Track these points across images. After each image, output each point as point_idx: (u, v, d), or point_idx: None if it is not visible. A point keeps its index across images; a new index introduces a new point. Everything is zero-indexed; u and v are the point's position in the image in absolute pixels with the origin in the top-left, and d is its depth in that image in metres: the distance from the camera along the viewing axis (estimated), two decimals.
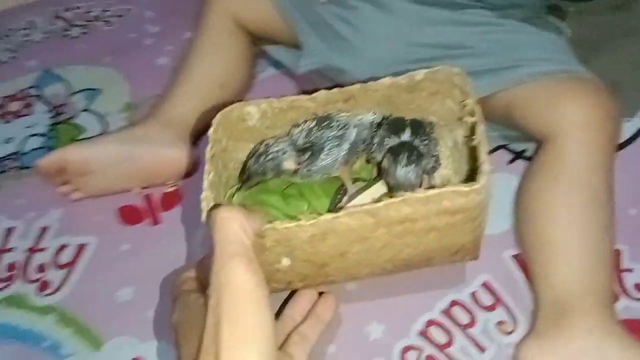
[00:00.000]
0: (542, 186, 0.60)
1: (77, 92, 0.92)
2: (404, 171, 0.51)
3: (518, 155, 0.71)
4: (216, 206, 0.39)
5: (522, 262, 0.63)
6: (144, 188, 0.76)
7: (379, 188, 0.56)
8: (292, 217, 0.50)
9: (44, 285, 0.70)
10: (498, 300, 0.61)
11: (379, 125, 0.57)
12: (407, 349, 0.59)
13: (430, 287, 0.61)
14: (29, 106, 0.91)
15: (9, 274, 0.72)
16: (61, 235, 0.74)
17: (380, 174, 0.56)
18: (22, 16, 1.07)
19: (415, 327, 0.59)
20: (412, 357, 0.58)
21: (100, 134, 0.84)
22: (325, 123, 0.55)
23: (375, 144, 0.55)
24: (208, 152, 0.53)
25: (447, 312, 0.60)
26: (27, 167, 0.83)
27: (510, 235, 0.64)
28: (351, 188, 0.57)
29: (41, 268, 0.71)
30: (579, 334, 0.52)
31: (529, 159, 0.69)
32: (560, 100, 0.61)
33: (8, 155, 0.85)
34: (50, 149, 0.84)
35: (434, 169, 0.56)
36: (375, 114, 0.57)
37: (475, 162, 0.50)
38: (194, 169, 0.76)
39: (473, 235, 0.52)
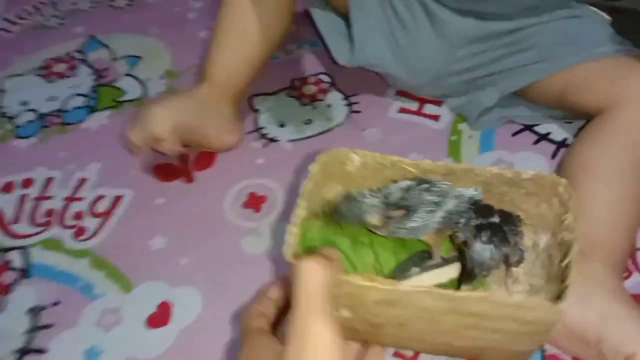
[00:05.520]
0: (589, 145, 0.63)
1: (120, 58, 0.96)
2: (480, 247, 0.49)
3: (542, 137, 0.75)
4: (300, 253, 0.40)
5: None
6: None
7: (452, 270, 0.52)
8: (356, 267, 0.51)
9: (79, 231, 0.73)
10: None
11: (473, 206, 0.54)
12: None
13: None
14: (74, 68, 0.95)
15: (47, 219, 0.75)
16: (99, 186, 0.78)
17: (460, 255, 0.53)
18: None
19: None
20: None
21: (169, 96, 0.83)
22: (424, 186, 0.53)
23: (461, 224, 0.52)
24: (305, 185, 0.53)
25: None
26: (69, 124, 0.87)
27: None
28: (436, 258, 0.54)
29: (78, 215, 0.75)
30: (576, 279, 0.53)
31: (552, 140, 0.73)
32: (626, 74, 0.64)
33: (52, 112, 0.89)
34: (91, 108, 0.88)
35: (518, 263, 0.53)
36: (477, 191, 0.53)
37: (559, 274, 0.49)
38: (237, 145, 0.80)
39: (531, 347, 0.51)
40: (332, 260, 0.37)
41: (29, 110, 0.89)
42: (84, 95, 0.91)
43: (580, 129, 0.72)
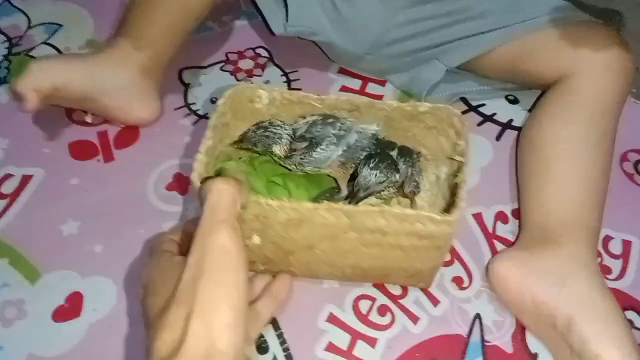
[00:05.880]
0: (554, 118, 0.60)
1: (37, 25, 0.87)
2: (366, 172, 0.52)
3: (487, 118, 0.72)
4: (209, 176, 0.41)
5: (482, 221, 0.62)
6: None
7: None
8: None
9: None
10: (455, 256, 0.60)
11: (375, 141, 0.57)
12: (360, 297, 0.57)
13: None
14: None
15: None
16: (5, 165, 0.70)
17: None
18: None
19: None
20: (364, 306, 0.57)
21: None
22: (329, 121, 0.56)
23: (363, 157, 0.55)
24: (212, 119, 0.54)
25: None
26: None
27: (472, 193, 0.63)
28: (343, 191, 0.57)
29: None
30: (557, 257, 0.53)
31: (497, 122, 0.71)
32: (581, 42, 0.61)
33: None
34: (2, 79, 0.80)
35: (414, 193, 0.57)
36: (378, 127, 0.57)
37: (453, 198, 0.51)
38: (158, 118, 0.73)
39: (431, 264, 0.54)
40: (237, 180, 0.39)
41: None
42: None
43: (533, 105, 0.69)
